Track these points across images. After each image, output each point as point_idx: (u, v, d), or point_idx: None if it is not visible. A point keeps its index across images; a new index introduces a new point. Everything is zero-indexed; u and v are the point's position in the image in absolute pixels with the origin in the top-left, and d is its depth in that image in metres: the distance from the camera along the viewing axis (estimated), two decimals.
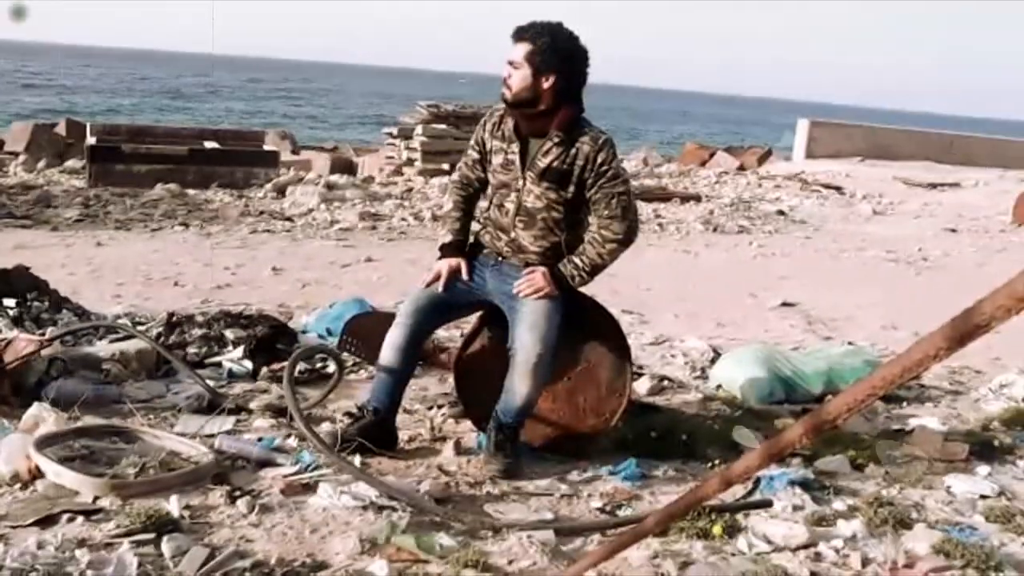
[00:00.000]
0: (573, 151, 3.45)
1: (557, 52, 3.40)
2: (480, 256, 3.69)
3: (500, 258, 3.62)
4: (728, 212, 12.42)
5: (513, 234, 3.57)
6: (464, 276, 3.62)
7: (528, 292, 3.46)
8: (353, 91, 75.89)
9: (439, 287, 3.61)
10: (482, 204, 3.77)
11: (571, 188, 3.48)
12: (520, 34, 3.41)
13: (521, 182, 3.51)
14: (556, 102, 3.43)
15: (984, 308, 1.17)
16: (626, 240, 3.53)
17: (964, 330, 1.18)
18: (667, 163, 19.75)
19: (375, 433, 3.53)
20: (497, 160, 3.58)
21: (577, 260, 3.51)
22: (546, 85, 3.40)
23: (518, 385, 3.42)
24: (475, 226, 3.81)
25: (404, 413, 3.84)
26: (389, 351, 3.57)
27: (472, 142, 3.74)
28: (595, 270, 3.53)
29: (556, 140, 3.46)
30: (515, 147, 3.52)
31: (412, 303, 3.62)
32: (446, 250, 3.70)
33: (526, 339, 3.41)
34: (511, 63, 3.41)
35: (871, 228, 12.47)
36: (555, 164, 3.46)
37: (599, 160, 3.45)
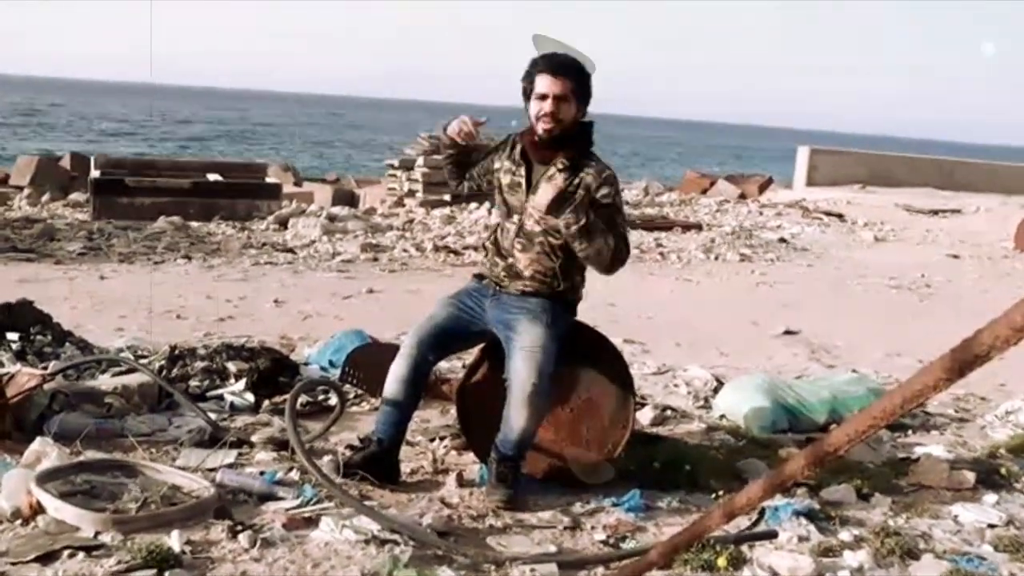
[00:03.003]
0: (576, 180, 3.50)
1: (589, 84, 3.55)
2: (479, 286, 3.72)
3: (498, 287, 3.65)
4: (729, 240, 12.42)
5: (511, 259, 3.61)
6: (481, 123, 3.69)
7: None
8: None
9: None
10: (487, 232, 3.84)
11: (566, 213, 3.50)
12: (562, 70, 3.50)
13: (525, 205, 3.58)
14: (572, 130, 3.54)
15: (983, 338, 1.17)
16: (614, 259, 3.50)
17: (964, 360, 1.17)
18: (668, 192, 19.79)
19: (378, 465, 3.54)
20: (505, 181, 3.65)
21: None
22: (581, 117, 3.54)
23: (515, 416, 3.43)
24: (477, 256, 3.84)
25: (406, 445, 3.83)
26: (393, 383, 3.59)
27: (488, 157, 3.80)
28: (586, 236, 3.43)
29: (560, 167, 3.52)
30: (522, 170, 3.60)
31: (415, 335, 3.63)
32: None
33: (521, 370, 3.42)
34: (557, 97, 3.47)
35: (873, 255, 12.46)
36: (554, 191, 3.51)
37: (600, 193, 3.50)
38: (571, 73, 3.50)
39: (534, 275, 3.58)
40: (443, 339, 3.66)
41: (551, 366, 3.45)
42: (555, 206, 3.49)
